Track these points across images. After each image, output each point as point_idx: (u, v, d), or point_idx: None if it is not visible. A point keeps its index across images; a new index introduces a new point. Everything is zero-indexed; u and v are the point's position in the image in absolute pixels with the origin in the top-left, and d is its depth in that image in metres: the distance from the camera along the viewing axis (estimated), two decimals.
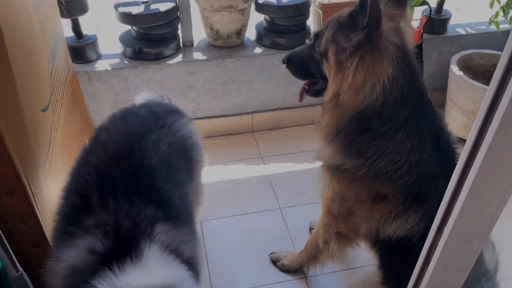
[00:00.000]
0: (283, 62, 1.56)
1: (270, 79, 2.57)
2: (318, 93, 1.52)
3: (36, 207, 1.37)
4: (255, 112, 2.69)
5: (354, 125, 1.28)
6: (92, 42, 2.30)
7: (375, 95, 1.22)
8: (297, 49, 1.54)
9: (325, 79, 1.36)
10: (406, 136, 1.23)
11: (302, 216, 2.16)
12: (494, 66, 2.76)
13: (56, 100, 1.67)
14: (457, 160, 1.28)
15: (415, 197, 1.27)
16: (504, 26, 2.64)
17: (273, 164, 2.50)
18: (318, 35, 1.37)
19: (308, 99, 2.73)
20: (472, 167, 0.82)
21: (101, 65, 2.31)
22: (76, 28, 2.26)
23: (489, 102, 0.74)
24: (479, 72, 2.67)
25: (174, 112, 1.60)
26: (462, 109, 2.49)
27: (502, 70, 0.70)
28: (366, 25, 1.16)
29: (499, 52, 2.63)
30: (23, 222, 1.36)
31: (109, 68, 2.29)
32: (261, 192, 2.31)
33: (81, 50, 2.27)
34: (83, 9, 2.19)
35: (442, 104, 2.73)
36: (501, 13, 2.32)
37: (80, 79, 2.27)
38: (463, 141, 2.65)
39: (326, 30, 1.32)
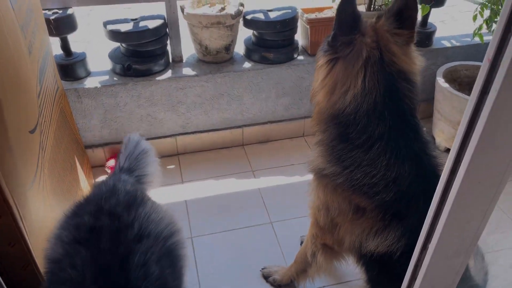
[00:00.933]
0: None
1: (259, 93, 2.59)
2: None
3: (24, 230, 1.36)
4: (245, 126, 2.70)
5: (334, 129, 1.32)
6: (81, 59, 2.31)
7: (347, 102, 1.26)
8: None
9: None
10: (381, 151, 1.25)
11: (293, 230, 2.16)
12: None
13: (44, 120, 1.67)
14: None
15: (394, 215, 1.28)
16: (488, 38, 2.69)
17: (264, 178, 2.51)
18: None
19: (297, 112, 2.76)
20: (453, 187, 0.83)
21: (90, 82, 2.32)
22: (65, 46, 2.27)
23: (465, 127, 0.76)
24: (465, 83, 2.72)
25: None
26: (449, 120, 2.53)
27: (477, 96, 0.72)
28: (333, 29, 1.24)
29: None
30: (11, 245, 1.35)
31: (99, 85, 2.30)
32: (252, 206, 2.31)
33: (70, 67, 2.28)
34: (72, 27, 2.20)
35: (429, 116, 2.77)
36: (484, 25, 2.37)
37: (69, 97, 2.27)
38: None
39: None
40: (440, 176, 1.32)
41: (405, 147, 1.25)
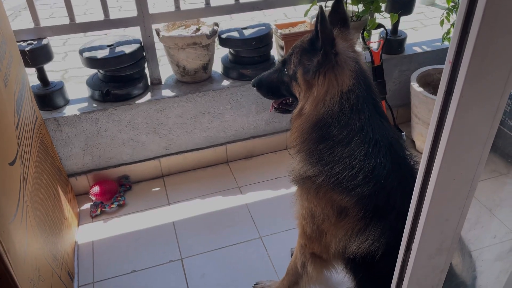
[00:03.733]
0: (253, 86, 1.67)
1: (240, 110, 2.62)
2: (287, 110, 1.65)
3: (8, 263, 1.33)
4: (228, 142, 2.72)
5: (315, 133, 1.37)
6: (59, 88, 2.31)
7: (332, 103, 1.33)
8: (264, 73, 1.65)
9: (296, 98, 1.49)
10: (361, 141, 1.31)
11: (283, 243, 2.16)
12: None
13: (24, 152, 1.65)
14: (415, 175, 1.35)
15: (373, 211, 1.32)
16: None
17: (251, 193, 2.51)
18: (285, 61, 1.50)
19: (278, 125, 2.79)
20: (428, 186, 0.86)
21: (69, 111, 2.31)
22: (41, 76, 2.27)
23: (434, 127, 0.79)
24: (438, 86, 2.79)
25: None
26: (426, 123, 2.59)
27: (443, 93, 0.75)
28: (321, 47, 1.30)
29: None
30: None
31: (78, 113, 2.30)
32: (240, 222, 2.31)
33: (48, 97, 2.27)
34: (48, 57, 2.20)
35: (408, 120, 2.83)
36: (452, 30, 2.45)
37: (49, 126, 2.26)
38: None
39: (292, 56, 1.45)
40: (413, 167, 1.37)
41: (381, 137, 1.32)
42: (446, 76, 0.75)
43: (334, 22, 1.42)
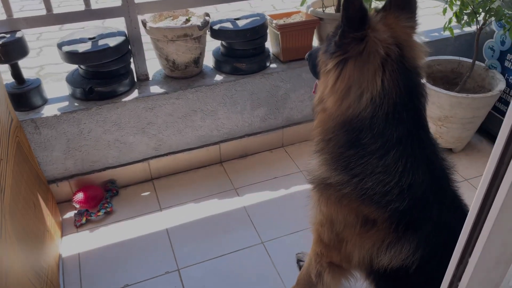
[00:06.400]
0: (306, 59, 1.53)
1: (234, 106, 2.46)
2: None
3: None
4: (222, 141, 2.55)
5: (343, 136, 1.19)
6: (36, 86, 2.09)
7: (362, 106, 1.13)
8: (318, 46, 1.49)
9: None
10: (398, 156, 1.13)
11: (287, 248, 2.02)
12: (452, 71, 2.78)
13: (1, 159, 1.45)
14: (453, 187, 1.22)
15: (407, 225, 1.18)
16: (457, 31, 2.70)
17: (248, 195, 2.36)
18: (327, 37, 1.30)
19: (274, 122, 2.64)
20: (499, 191, 0.73)
21: (48, 111, 2.10)
22: (16, 73, 2.04)
23: (510, 125, 0.65)
24: (438, 78, 2.70)
25: None
26: (429, 116, 2.46)
27: None
28: (339, 26, 1.11)
29: (454, 57, 2.68)
30: None
31: (58, 113, 2.08)
32: (239, 227, 2.16)
33: (24, 96, 2.05)
34: (23, 52, 1.98)
35: None
36: (454, 19, 2.35)
37: (26, 128, 2.04)
38: None
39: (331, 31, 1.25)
40: (451, 179, 1.24)
41: (419, 151, 1.14)
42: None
43: (397, 4, 1.17)
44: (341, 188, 1.19)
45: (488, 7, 2.23)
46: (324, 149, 1.23)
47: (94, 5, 2.12)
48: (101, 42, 2.11)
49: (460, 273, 0.89)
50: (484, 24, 2.32)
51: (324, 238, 1.39)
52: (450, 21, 2.39)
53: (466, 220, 0.83)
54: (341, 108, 1.15)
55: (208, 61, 2.50)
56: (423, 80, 1.18)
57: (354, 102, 1.13)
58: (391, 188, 1.12)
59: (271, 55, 2.57)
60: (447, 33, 2.48)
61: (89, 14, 2.08)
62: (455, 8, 2.32)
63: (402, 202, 1.13)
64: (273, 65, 2.50)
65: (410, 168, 1.12)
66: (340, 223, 1.29)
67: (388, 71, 1.10)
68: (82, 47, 2.07)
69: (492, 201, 0.76)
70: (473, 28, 2.37)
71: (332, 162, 1.21)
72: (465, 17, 2.26)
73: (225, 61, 2.40)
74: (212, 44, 2.50)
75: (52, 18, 2.04)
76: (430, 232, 1.15)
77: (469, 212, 0.82)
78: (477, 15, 2.26)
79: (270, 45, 2.58)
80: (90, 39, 2.14)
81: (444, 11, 2.35)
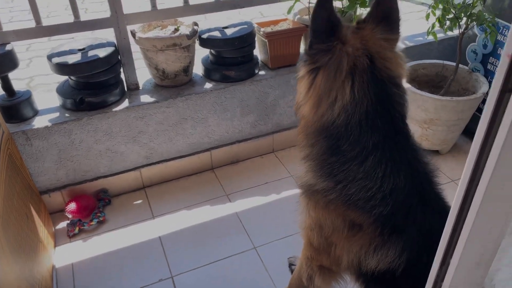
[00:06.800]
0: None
1: (224, 113, 2.49)
2: None
3: None
4: (213, 148, 2.58)
5: (323, 142, 1.23)
6: (26, 98, 2.10)
7: (335, 113, 1.18)
8: None
9: None
10: (377, 162, 1.17)
11: (279, 252, 2.05)
12: (436, 75, 2.83)
13: None
14: (436, 190, 1.25)
15: (392, 229, 1.21)
16: (440, 35, 2.77)
17: (240, 201, 2.39)
18: None
19: (264, 128, 2.68)
20: (476, 194, 0.77)
21: (39, 122, 2.11)
22: (6, 85, 2.06)
23: (485, 128, 0.70)
24: (423, 82, 2.76)
25: None
26: (415, 120, 2.54)
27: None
28: (309, 37, 1.18)
29: (438, 61, 2.74)
30: None
31: (49, 124, 2.10)
32: (232, 233, 2.18)
33: (15, 108, 2.06)
34: (13, 65, 2.00)
35: None
36: (437, 23, 2.41)
37: (17, 140, 2.05)
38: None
39: None
40: (434, 182, 1.28)
41: (399, 156, 1.18)
42: (503, 72, 0.66)
43: (376, 16, 1.22)
44: (327, 194, 1.22)
45: (469, 12, 2.29)
46: (309, 156, 1.27)
47: (83, 16, 2.14)
48: (90, 53, 2.12)
49: (443, 274, 0.92)
50: (466, 28, 2.38)
51: (314, 242, 1.42)
52: (433, 26, 2.45)
53: (446, 223, 0.87)
54: (317, 115, 1.20)
55: (198, 69, 2.53)
56: (401, 89, 1.22)
57: (327, 110, 1.18)
58: (374, 193, 1.16)
59: (260, 62, 2.61)
60: (431, 38, 2.54)
61: (78, 25, 2.10)
62: (437, 14, 2.38)
63: (386, 207, 1.16)
64: (261, 72, 2.54)
65: (391, 173, 1.16)
66: (328, 228, 1.32)
67: (358, 81, 1.15)
68: (72, 59, 2.08)
69: (470, 205, 0.80)
70: (456, 32, 2.43)
71: (317, 169, 1.25)
72: (448, 22, 2.32)
73: (214, 69, 2.44)
74: (202, 52, 2.54)
75: (41, 30, 2.06)
76: (415, 235, 1.19)
77: (449, 215, 0.86)
78: (459, 20, 2.32)
79: (258, 52, 2.62)
80: (79, 50, 2.16)
81: (427, 16, 2.40)
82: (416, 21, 2.59)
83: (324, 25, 1.15)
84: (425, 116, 2.50)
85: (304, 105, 1.24)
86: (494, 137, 0.70)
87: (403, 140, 1.20)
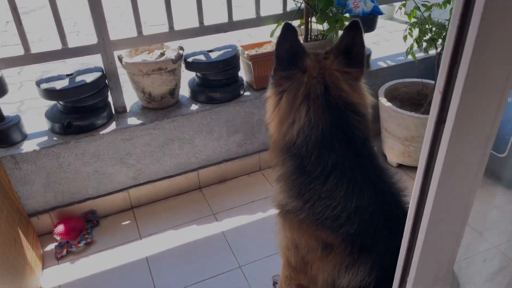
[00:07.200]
0: None
1: (210, 134, 2.54)
2: None
3: None
4: (200, 168, 2.63)
5: (291, 161, 1.31)
6: (15, 123, 2.15)
7: (295, 134, 1.27)
8: None
9: None
10: (338, 181, 1.23)
11: (263, 271, 2.08)
12: (418, 93, 2.91)
13: None
14: (404, 209, 1.30)
15: (361, 248, 1.26)
16: (419, 55, 2.85)
17: (227, 220, 2.43)
18: None
19: (251, 147, 2.73)
20: (422, 218, 0.82)
21: (28, 146, 2.16)
22: None
23: (426, 158, 0.75)
24: (405, 99, 2.84)
25: None
26: (396, 137, 2.61)
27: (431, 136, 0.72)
28: (274, 64, 1.31)
29: (418, 80, 2.82)
30: None
31: (37, 148, 2.15)
32: (217, 252, 2.21)
33: (4, 133, 2.11)
34: (2, 92, 2.05)
35: (378, 134, 2.85)
36: (415, 44, 2.50)
37: (6, 164, 2.10)
38: (402, 166, 2.76)
39: None
40: (401, 201, 1.33)
41: (361, 176, 1.24)
42: (436, 107, 0.72)
43: (338, 49, 1.31)
44: (297, 214, 1.28)
45: (444, 34, 2.38)
46: (281, 176, 1.34)
47: (72, 40, 2.20)
48: (78, 79, 2.19)
49: None
50: (442, 49, 2.47)
51: (292, 261, 1.46)
52: (411, 46, 2.54)
53: (402, 242, 0.92)
54: (281, 134, 1.30)
55: (185, 91, 2.60)
56: (360, 114, 1.29)
57: (288, 130, 1.28)
58: (339, 212, 1.22)
59: (245, 83, 2.68)
60: (410, 57, 2.62)
61: (66, 52, 2.17)
62: (415, 35, 2.47)
63: (352, 226, 1.21)
64: (247, 93, 2.61)
65: (353, 193, 1.22)
66: (303, 248, 1.37)
67: (313, 107, 1.25)
68: (60, 84, 2.15)
69: (420, 224, 0.85)
70: (433, 52, 2.52)
71: (287, 189, 1.31)
72: (424, 44, 2.41)
73: (200, 91, 2.50)
74: (189, 75, 2.61)
75: (30, 58, 2.12)
76: (383, 253, 1.23)
77: (403, 234, 0.91)
78: (435, 41, 2.41)
79: (244, 73, 2.69)
80: (67, 75, 2.23)
81: (405, 38, 2.49)
82: (400, 40, 2.67)
83: (286, 54, 1.27)
84: (407, 134, 2.56)
85: (271, 123, 1.35)
86: (435, 162, 0.75)
87: (365, 161, 1.26)
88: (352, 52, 1.31)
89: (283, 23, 1.30)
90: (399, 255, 0.93)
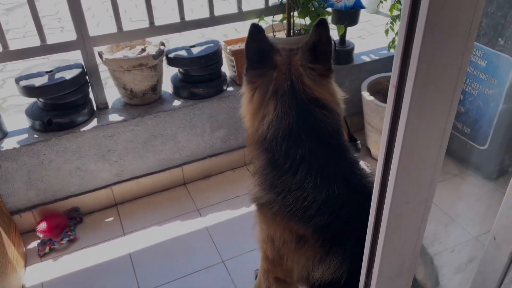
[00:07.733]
0: None
1: (194, 129, 2.54)
2: None
3: None
4: (184, 164, 2.63)
5: (263, 155, 1.34)
6: None
7: (265, 128, 1.32)
8: None
9: None
10: (306, 173, 1.26)
11: (247, 265, 2.10)
12: None
13: None
14: None
15: (332, 240, 1.28)
16: None
17: (211, 215, 2.43)
18: None
19: (235, 142, 2.73)
20: (383, 211, 0.83)
21: (8, 144, 2.15)
22: None
23: (384, 153, 0.76)
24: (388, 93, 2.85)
25: None
26: (379, 131, 2.62)
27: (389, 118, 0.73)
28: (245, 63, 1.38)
29: None
30: None
31: (17, 146, 2.13)
32: (201, 247, 2.22)
33: None
34: None
35: (362, 128, 2.86)
36: (397, 38, 2.50)
37: None
38: None
39: None
40: (369, 192, 1.34)
41: (329, 167, 1.26)
42: (391, 101, 0.73)
43: (307, 45, 1.34)
44: (271, 207, 1.30)
45: None
46: (256, 170, 1.36)
47: (55, 36, 2.18)
48: (58, 75, 2.17)
49: (369, 283, 0.98)
50: None
51: (269, 254, 1.48)
52: (393, 40, 2.55)
53: (366, 235, 0.93)
54: (253, 128, 1.34)
55: (167, 87, 2.59)
56: (327, 108, 1.31)
57: (259, 124, 1.32)
58: (309, 203, 1.24)
59: (229, 79, 2.67)
60: (393, 51, 2.64)
61: (44, 49, 2.15)
62: (396, 29, 2.48)
63: (322, 217, 1.23)
64: (230, 88, 2.61)
65: (322, 184, 1.24)
66: (278, 240, 1.38)
67: (280, 102, 1.29)
68: (39, 81, 2.13)
69: (381, 217, 0.86)
70: None
71: (261, 183, 1.33)
72: None
73: (182, 87, 2.50)
74: (172, 70, 2.60)
75: (8, 55, 2.10)
76: (355, 245, 1.25)
77: (367, 227, 0.92)
78: None
79: (226, 69, 2.69)
80: (47, 72, 2.21)
81: (386, 32, 2.50)
82: (383, 34, 2.68)
83: (256, 54, 1.32)
84: None
85: (245, 118, 1.39)
86: (392, 156, 0.76)
87: (334, 154, 1.29)
88: (318, 49, 1.33)
89: (250, 25, 1.35)
90: (365, 247, 0.94)
